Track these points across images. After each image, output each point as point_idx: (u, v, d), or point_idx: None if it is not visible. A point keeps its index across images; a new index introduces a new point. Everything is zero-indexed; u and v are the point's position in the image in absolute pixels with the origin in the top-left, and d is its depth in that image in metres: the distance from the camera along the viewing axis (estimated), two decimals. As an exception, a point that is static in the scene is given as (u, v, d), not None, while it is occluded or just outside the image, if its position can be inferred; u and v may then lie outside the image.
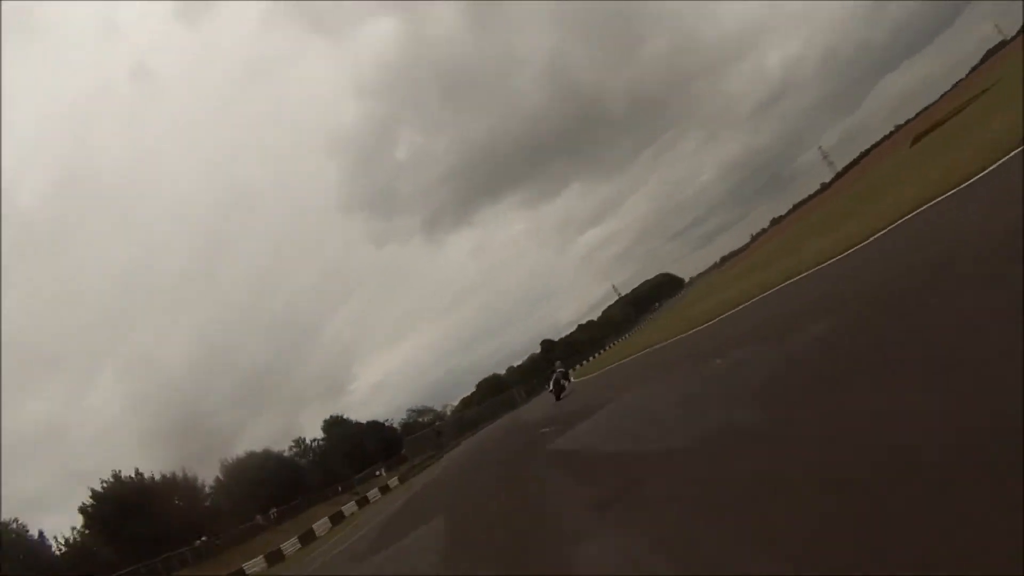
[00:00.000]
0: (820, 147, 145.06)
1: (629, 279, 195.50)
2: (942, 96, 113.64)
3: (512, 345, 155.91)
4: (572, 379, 22.39)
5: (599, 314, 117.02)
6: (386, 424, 62.23)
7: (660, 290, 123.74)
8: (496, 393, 72.59)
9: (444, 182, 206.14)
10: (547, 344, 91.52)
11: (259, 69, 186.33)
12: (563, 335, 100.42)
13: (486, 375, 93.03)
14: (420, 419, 73.25)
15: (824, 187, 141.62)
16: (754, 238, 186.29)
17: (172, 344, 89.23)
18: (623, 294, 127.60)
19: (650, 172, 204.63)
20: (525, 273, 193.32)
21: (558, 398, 18.51)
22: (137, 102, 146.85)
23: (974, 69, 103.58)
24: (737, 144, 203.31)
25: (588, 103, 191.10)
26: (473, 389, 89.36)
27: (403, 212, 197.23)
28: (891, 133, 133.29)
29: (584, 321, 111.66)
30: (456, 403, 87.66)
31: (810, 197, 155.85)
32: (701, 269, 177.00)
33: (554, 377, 19.43)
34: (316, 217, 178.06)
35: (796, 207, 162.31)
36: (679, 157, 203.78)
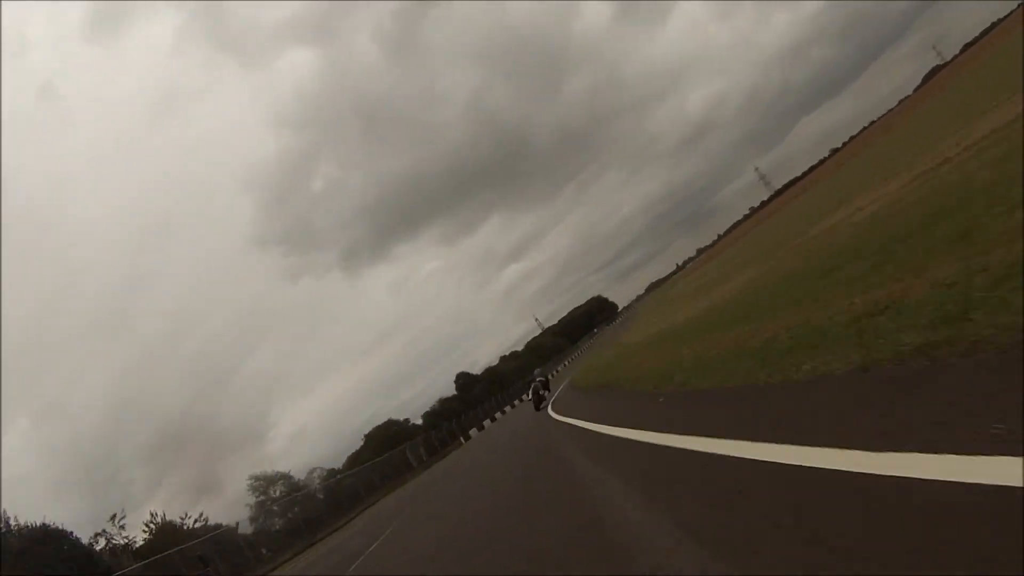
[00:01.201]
0: (757, 168, 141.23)
1: (555, 311, 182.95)
2: (877, 120, 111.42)
3: (436, 386, 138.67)
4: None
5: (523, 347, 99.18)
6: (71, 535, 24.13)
7: (592, 317, 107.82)
8: (391, 448, 50.68)
9: (361, 216, 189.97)
10: (464, 379, 71.23)
11: (173, 94, 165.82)
12: (488, 367, 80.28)
13: (402, 419, 68.93)
14: (271, 491, 49.25)
15: (762, 205, 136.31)
16: (679, 267, 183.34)
17: (81, 389, 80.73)
18: (550, 325, 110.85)
19: (573, 206, 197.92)
20: (446, 311, 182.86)
21: (538, 408, 17.66)
22: (43, 127, 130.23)
23: (918, 88, 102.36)
24: (659, 179, 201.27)
25: (511, 137, 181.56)
26: (362, 442, 66.19)
27: (319, 247, 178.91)
28: (824, 159, 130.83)
29: (508, 352, 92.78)
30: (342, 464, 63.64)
31: (739, 222, 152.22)
32: (630, 297, 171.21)
33: (533, 386, 18.60)
34: (231, 250, 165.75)
35: (720, 237, 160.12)
36: (602, 191, 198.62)
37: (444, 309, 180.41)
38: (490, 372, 72.49)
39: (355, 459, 64.78)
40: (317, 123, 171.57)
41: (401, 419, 69.73)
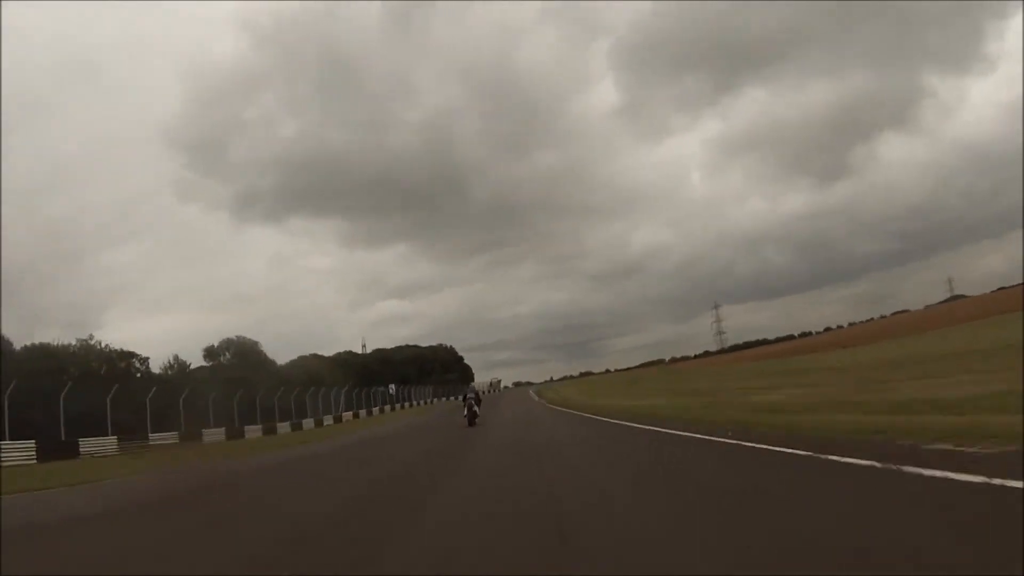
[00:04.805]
0: (716, 306, 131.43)
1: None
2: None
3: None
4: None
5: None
6: None
7: (430, 370, 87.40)
8: None
9: (277, 167, 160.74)
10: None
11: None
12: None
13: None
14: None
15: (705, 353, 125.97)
16: (552, 380, 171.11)
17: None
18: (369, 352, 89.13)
19: (477, 276, 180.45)
20: (308, 307, 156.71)
21: (471, 423, 19.04)
22: None
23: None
24: (568, 295, 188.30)
25: (458, 173, 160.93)
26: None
27: (221, 176, 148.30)
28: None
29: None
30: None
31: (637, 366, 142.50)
32: (486, 381, 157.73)
33: (467, 402, 20.24)
34: (134, 135, 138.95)
35: (599, 373, 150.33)
36: (510, 278, 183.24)
37: (307, 304, 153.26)
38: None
39: None
40: (284, 47, 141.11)
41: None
